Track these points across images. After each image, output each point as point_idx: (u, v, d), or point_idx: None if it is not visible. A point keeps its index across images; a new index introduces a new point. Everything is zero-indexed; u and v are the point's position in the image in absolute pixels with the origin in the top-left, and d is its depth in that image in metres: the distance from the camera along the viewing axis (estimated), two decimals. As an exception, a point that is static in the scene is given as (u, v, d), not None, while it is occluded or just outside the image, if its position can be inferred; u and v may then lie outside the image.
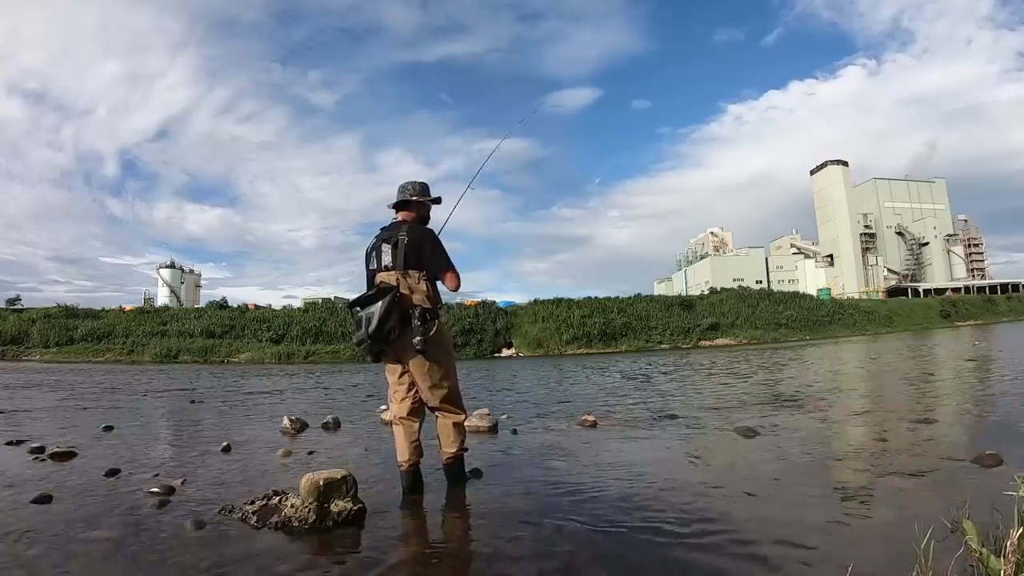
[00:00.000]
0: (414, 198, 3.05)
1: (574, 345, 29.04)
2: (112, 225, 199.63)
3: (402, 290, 2.81)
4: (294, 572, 2.01)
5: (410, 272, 2.85)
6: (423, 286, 2.87)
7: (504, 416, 5.60)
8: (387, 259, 2.89)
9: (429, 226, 3.09)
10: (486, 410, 5.29)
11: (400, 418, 2.97)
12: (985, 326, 38.14)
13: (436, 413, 2.99)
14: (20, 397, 9.05)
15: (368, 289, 2.95)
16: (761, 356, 16.45)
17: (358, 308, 2.84)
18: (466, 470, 3.15)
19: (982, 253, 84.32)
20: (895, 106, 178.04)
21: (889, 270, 79.28)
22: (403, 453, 2.93)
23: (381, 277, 2.88)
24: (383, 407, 6.14)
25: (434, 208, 3.16)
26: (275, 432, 5.01)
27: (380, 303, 2.75)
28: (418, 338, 2.75)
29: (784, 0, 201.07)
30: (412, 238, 2.89)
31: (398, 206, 3.07)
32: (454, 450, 2.98)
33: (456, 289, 2.96)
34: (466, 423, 3.17)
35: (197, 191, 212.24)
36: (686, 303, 36.45)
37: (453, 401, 2.97)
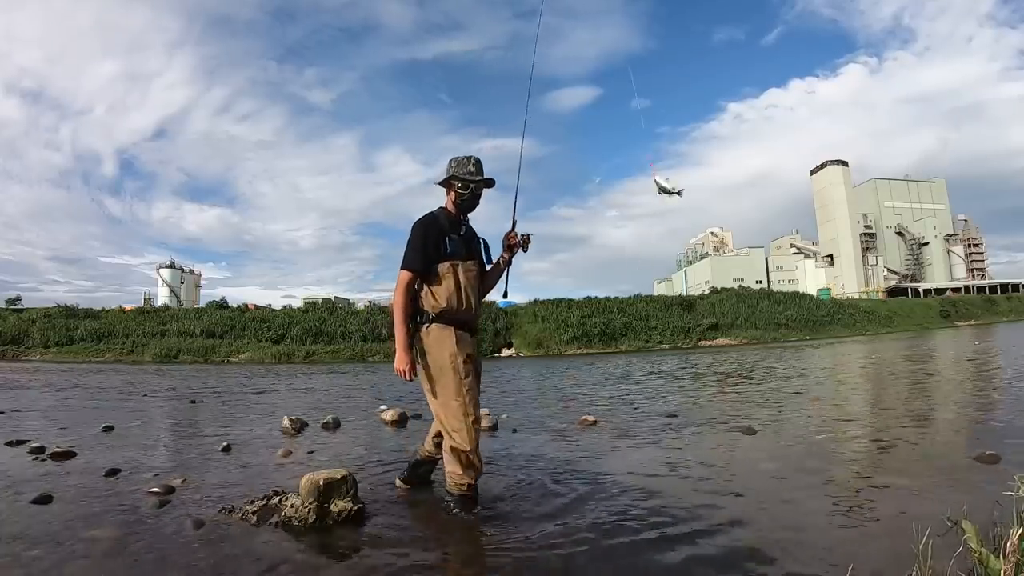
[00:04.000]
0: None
1: (574, 345, 29.01)
2: (111, 225, 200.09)
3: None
4: (294, 572, 2.01)
5: None
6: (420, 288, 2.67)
7: (504, 416, 5.60)
8: None
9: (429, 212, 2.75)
10: (486, 410, 5.30)
11: None
12: (985, 326, 38.08)
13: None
14: (20, 397, 9.05)
15: None
16: (761, 356, 16.44)
17: None
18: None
19: (982, 253, 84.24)
20: (896, 104, 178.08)
21: (889, 270, 79.22)
22: (424, 443, 2.96)
23: None
24: (383, 407, 6.15)
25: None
26: (275, 432, 5.01)
27: None
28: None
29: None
30: None
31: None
32: (449, 480, 2.57)
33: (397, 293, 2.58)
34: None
35: (195, 191, 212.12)
36: (686, 303, 36.38)
37: (441, 419, 2.59)
